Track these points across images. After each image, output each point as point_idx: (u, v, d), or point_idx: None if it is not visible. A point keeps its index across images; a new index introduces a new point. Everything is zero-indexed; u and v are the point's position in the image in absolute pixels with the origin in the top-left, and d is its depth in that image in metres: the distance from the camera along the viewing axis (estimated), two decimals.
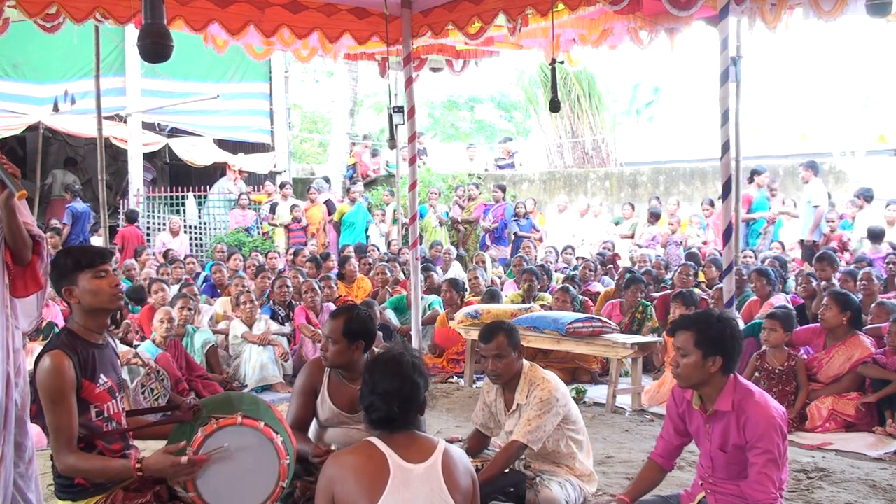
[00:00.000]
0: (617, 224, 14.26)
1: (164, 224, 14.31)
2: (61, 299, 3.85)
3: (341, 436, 3.86)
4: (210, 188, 15.82)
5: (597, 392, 6.89)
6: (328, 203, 14.70)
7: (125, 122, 14.96)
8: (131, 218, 13.43)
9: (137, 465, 2.88)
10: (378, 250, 12.49)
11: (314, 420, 3.96)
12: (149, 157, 15.87)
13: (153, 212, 14.93)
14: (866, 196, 11.03)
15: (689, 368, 3.20)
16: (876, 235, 10.04)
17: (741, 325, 6.64)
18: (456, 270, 11.04)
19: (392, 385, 2.66)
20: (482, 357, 4.09)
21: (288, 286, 8.41)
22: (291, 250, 12.25)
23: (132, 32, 11.13)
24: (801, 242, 11.23)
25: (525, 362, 4.12)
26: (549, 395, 3.96)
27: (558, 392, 4.01)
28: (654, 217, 13.08)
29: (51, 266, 3.11)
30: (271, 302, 8.41)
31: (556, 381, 4.08)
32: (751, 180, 11.88)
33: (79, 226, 13.09)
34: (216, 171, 16.24)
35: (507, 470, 3.97)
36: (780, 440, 3.14)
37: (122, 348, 6.29)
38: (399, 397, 2.65)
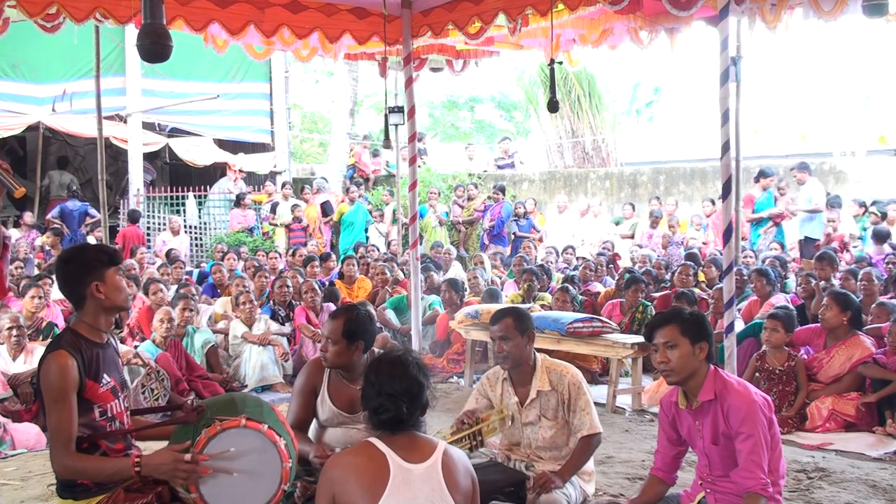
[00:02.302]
0: (617, 224, 14.26)
1: (164, 224, 14.31)
2: (64, 298, 3.82)
3: (341, 436, 3.86)
4: (210, 188, 15.82)
5: (597, 392, 6.86)
6: (324, 205, 14.67)
7: (125, 122, 14.95)
8: (133, 218, 13.43)
9: (137, 460, 2.86)
10: (378, 250, 12.49)
11: (314, 420, 3.96)
12: (149, 157, 15.86)
13: (153, 212, 14.93)
14: (832, 203, 11.15)
15: (682, 359, 3.23)
16: (880, 235, 10.05)
17: (741, 326, 6.66)
18: (456, 270, 11.03)
19: (400, 386, 2.67)
20: (492, 339, 4.05)
21: (288, 286, 8.41)
22: (290, 250, 12.26)
23: (132, 32, 11.11)
24: (801, 242, 11.23)
25: (537, 354, 4.08)
26: (578, 378, 3.97)
27: (579, 373, 4.03)
28: (656, 221, 13.06)
29: (72, 261, 3.04)
30: (271, 302, 8.41)
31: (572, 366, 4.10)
32: (757, 180, 11.87)
33: (69, 225, 13.02)
34: (216, 171, 16.23)
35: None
36: (765, 423, 3.17)
37: (122, 348, 6.30)
38: (407, 398, 2.66)
